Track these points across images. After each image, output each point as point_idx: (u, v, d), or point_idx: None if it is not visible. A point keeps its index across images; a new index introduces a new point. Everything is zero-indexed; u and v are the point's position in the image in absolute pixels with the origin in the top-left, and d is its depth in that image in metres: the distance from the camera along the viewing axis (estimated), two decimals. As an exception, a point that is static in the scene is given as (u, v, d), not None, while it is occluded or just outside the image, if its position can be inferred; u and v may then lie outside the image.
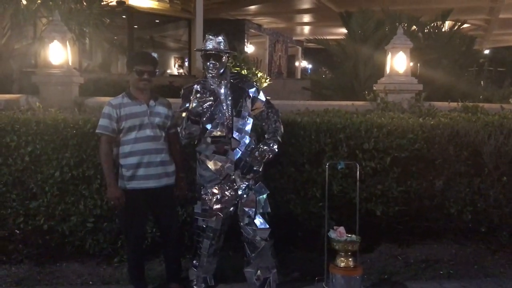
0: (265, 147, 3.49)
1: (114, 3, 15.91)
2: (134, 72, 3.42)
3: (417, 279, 4.11)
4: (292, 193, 4.32)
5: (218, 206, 3.53)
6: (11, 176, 3.89)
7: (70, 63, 5.51)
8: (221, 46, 3.47)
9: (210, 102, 3.44)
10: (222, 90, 3.50)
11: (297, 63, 26.84)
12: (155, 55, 24.91)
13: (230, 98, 3.49)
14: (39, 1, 7.80)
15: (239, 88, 3.55)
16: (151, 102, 3.47)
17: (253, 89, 3.60)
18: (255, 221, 3.53)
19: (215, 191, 3.53)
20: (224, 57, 3.49)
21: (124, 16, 18.17)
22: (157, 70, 3.58)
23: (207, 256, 3.64)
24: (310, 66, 28.15)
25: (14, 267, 4.06)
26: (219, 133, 3.45)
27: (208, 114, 3.45)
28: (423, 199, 4.51)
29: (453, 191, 4.47)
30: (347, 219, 4.12)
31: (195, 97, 3.39)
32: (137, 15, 18.51)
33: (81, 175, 3.93)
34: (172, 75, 18.50)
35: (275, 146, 3.52)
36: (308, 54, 26.92)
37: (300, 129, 4.30)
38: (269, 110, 3.66)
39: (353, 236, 3.53)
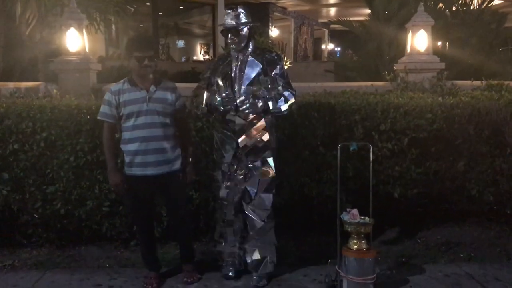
0: (247, 103, 3.31)
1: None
2: (133, 58, 3.28)
3: (436, 262, 4.01)
4: (306, 176, 4.27)
5: (227, 181, 3.54)
6: (28, 161, 3.97)
7: (87, 50, 5.58)
8: (240, 20, 3.37)
9: (225, 74, 3.41)
10: (235, 64, 3.42)
11: (323, 46, 26.47)
12: (182, 42, 25.04)
13: (242, 73, 3.39)
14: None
15: (256, 64, 3.40)
16: (152, 88, 3.33)
17: (275, 67, 3.42)
18: (254, 201, 3.51)
19: (224, 167, 3.54)
20: (243, 31, 3.38)
21: (148, 3, 18.31)
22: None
23: (226, 229, 3.64)
24: (338, 48, 27.69)
25: (35, 251, 4.17)
26: (225, 108, 3.37)
27: (219, 88, 3.42)
28: (443, 180, 4.40)
29: (474, 172, 4.35)
30: (364, 201, 4.05)
31: (210, 67, 3.51)
32: (161, 1, 18.61)
33: (95, 160, 3.97)
34: (195, 61, 18.54)
35: (260, 103, 3.32)
36: (335, 36, 26.46)
37: (314, 110, 4.23)
38: (285, 91, 3.43)
39: (366, 218, 3.46)
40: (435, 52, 6.75)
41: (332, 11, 22.75)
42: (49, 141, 3.95)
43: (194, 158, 3.64)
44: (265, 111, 3.35)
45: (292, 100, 3.44)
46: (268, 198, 3.55)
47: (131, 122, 3.31)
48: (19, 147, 3.94)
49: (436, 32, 8.82)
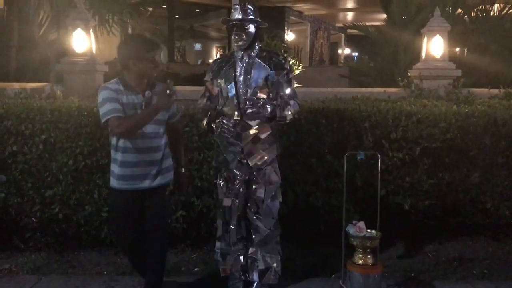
0: (255, 107, 3.18)
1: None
2: (148, 60, 2.91)
3: (447, 279, 3.81)
4: (313, 185, 4.11)
5: (230, 188, 3.34)
6: (26, 164, 3.88)
7: (94, 51, 5.50)
8: (248, 16, 3.18)
9: (229, 76, 3.23)
10: (240, 66, 3.23)
11: (340, 51, 26.28)
12: (199, 45, 25.27)
13: (249, 76, 3.20)
14: (72, -9, 7.91)
15: (264, 68, 3.21)
16: (147, 93, 2.96)
17: (281, 71, 3.23)
18: (260, 210, 3.33)
19: (227, 174, 3.34)
20: (250, 28, 3.18)
21: (164, 6, 18.37)
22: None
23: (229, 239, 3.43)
24: (356, 53, 27.48)
25: (34, 255, 4.08)
26: (229, 112, 3.22)
27: (221, 90, 3.26)
28: (456, 192, 4.21)
29: (490, 185, 4.15)
30: (373, 212, 3.88)
31: (213, 69, 3.32)
32: (177, 4, 18.66)
33: (95, 163, 3.87)
34: (208, 64, 18.51)
35: (269, 109, 3.17)
36: (352, 41, 26.25)
37: (321, 117, 4.08)
38: (290, 100, 3.27)
39: (373, 231, 3.30)
40: (452, 58, 6.54)
41: (349, 15, 22.54)
42: (48, 144, 3.85)
43: (186, 168, 3.42)
44: (270, 118, 3.20)
45: (297, 110, 3.28)
46: (275, 206, 3.40)
47: None
48: (18, 149, 3.86)
49: (454, 38, 8.61)
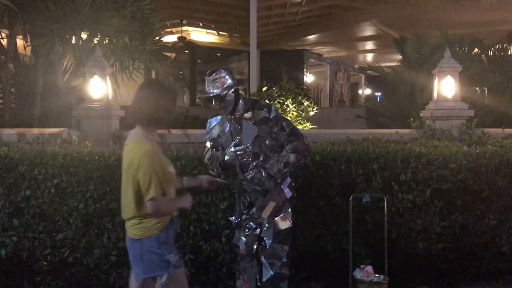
0: (255, 177, 3.25)
1: (175, 39, 16.63)
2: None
3: (463, 326, 3.68)
4: (322, 228, 4.06)
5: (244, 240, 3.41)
6: (38, 208, 3.95)
7: (110, 97, 5.66)
8: (224, 84, 3.19)
9: (223, 136, 3.35)
10: (229, 127, 3.33)
11: (360, 91, 26.38)
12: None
13: (240, 138, 3.28)
14: (95, 40, 8.22)
15: (250, 127, 3.26)
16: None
17: (268, 123, 3.27)
18: (267, 251, 3.33)
19: (239, 226, 3.44)
20: (227, 95, 3.20)
21: (187, 51, 18.88)
22: None
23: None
24: (379, 93, 27.52)
25: (44, 299, 4.10)
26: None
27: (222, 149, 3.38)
28: (471, 235, 4.10)
29: (505, 227, 4.03)
30: (384, 257, 3.81)
31: (211, 129, 3.46)
32: (199, 50, 19.15)
33: (104, 207, 3.92)
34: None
35: (269, 183, 3.24)
36: (372, 81, 26.37)
37: (329, 159, 4.07)
38: (288, 143, 3.29)
39: (381, 276, 3.24)
40: (469, 98, 6.49)
41: (369, 56, 22.73)
42: (60, 188, 3.93)
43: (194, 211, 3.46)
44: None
45: (293, 160, 3.24)
46: (283, 249, 3.38)
47: None
48: (31, 193, 3.94)
49: (472, 78, 8.57)
